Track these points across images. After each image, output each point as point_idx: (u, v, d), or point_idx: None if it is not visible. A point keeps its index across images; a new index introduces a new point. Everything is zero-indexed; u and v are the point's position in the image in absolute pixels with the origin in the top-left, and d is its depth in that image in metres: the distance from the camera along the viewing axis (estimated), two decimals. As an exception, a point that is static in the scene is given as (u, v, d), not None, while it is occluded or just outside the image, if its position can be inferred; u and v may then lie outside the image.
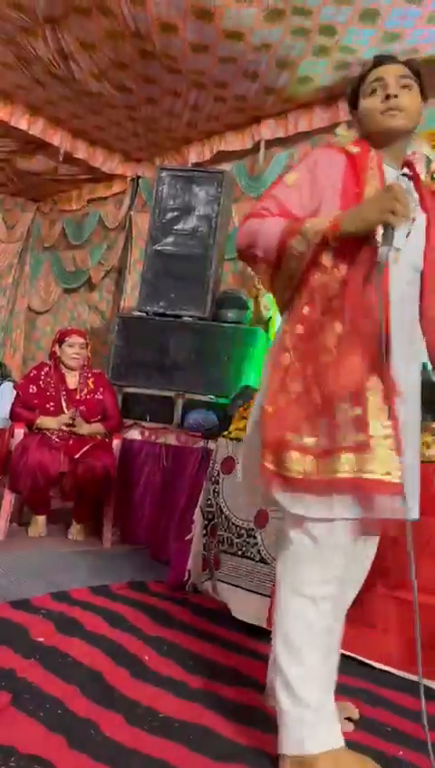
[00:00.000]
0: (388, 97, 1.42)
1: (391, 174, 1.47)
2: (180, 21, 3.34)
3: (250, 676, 1.84)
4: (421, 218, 1.47)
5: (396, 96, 1.42)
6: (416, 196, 1.48)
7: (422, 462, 2.14)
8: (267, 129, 4.31)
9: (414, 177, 1.49)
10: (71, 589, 2.48)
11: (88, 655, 1.88)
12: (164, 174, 4.12)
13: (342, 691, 1.83)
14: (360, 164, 1.43)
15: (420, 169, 3.26)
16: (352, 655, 2.06)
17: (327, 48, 3.43)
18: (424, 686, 1.86)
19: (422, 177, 3.28)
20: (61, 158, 4.97)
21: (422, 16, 3.09)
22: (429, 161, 3.25)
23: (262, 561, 2.34)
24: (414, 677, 1.92)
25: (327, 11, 3.11)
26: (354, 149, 1.46)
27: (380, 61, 1.48)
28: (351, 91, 1.53)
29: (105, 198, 5.72)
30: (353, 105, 1.53)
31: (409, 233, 1.42)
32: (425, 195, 1.48)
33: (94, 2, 3.27)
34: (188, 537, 2.67)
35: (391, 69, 1.45)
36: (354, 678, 1.94)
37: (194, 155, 4.81)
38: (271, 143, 4.38)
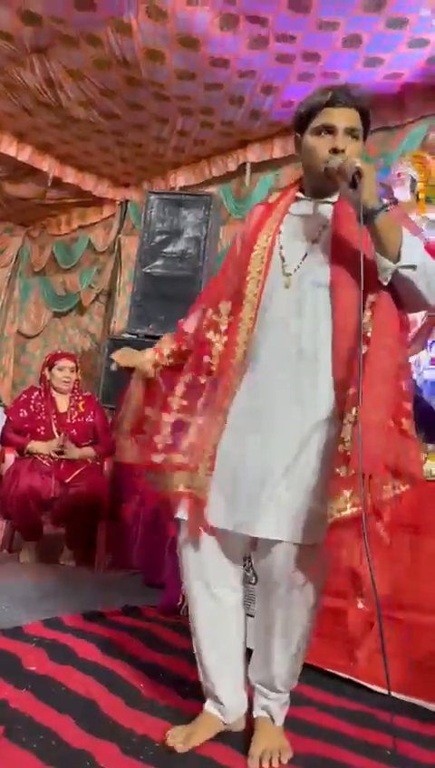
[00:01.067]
0: (335, 150, 1.48)
1: (303, 204, 1.62)
2: (166, 49, 3.39)
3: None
4: (325, 237, 1.55)
5: (343, 150, 1.48)
6: (327, 217, 1.57)
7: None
8: (253, 153, 4.38)
9: (340, 202, 1.55)
10: (63, 616, 2.44)
11: (81, 683, 1.85)
12: (152, 198, 4.16)
13: (340, 715, 1.81)
14: (269, 209, 1.65)
15: (405, 190, 3.31)
16: (350, 678, 2.04)
17: (311, 74, 3.49)
18: (426, 708, 1.87)
19: (407, 198, 3.34)
20: (49, 184, 5.01)
21: (403, 41, 3.16)
22: (413, 182, 3.29)
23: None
24: (414, 700, 1.90)
25: (310, 38, 3.18)
26: (273, 198, 1.70)
27: (334, 101, 1.50)
28: (300, 115, 1.56)
29: (94, 223, 5.75)
30: (300, 129, 1.57)
31: (305, 255, 1.55)
32: (342, 218, 1.52)
33: (81, 31, 3.33)
34: (181, 560, 2.64)
35: (344, 116, 1.50)
36: (352, 701, 1.92)
37: (181, 179, 4.87)
38: (257, 166, 4.44)
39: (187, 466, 1.52)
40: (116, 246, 5.52)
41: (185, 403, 1.60)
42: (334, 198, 1.57)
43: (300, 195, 1.64)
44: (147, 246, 4.10)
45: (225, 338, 1.61)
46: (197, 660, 1.61)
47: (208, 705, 1.62)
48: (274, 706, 1.59)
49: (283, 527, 1.43)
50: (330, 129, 1.50)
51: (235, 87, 3.70)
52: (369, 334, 1.44)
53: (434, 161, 3.31)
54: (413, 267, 1.42)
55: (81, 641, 2.18)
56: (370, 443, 1.36)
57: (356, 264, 1.42)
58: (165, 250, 4.07)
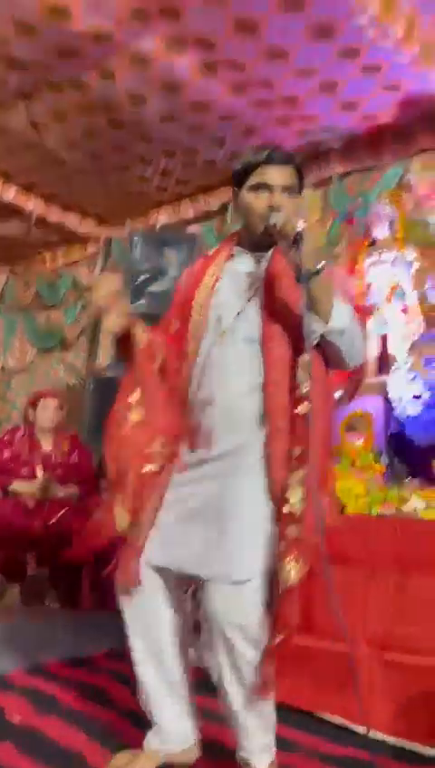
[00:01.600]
0: (272, 207, 1.53)
1: (239, 258, 1.66)
2: (149, 93, 3.47)
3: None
4: (260, 292, 1.59)
5: (279, 209, 1.52)
6: (259, 274, 1.61)
7: (400, 517, 2.16)
8: (235, 193, 4.45)
9: (272, 259, 1.61)
10: (47, 661, 2.39)
11: (67, 735, 1.80)
12: (136, 237, 4.21)
13: (326, 760, 1.77)
14: (207, 264, 1.69)
15: (383, 229, 3.39)
16: (336, 719, 2.00)
17: (290, 117, 3.59)
18: (413, 750, 1.84)
19: (385, 235, 3.42)
20: (33, 223, 5.06)
21: (378, 85, 3.27)
22: (391, 221, 3.37)
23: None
24: (404, 743, 1.87)
25: (288, 84, 3.28)
26: (212, 251, 1.75)
27: (269, 159, 1.56)
28: (237, 172, 1.61)
29: (78, 260, 5.80)
30: (237, 185, 1.62)
31: (239, 312, 1.58)
32: (275, 275, 1.57)
33: (65, 76, 3.40)
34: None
35: (278, 175, 1.56)
36: (337, 745, 1.87)
37: (164, 217, 4.93)
38: (239, 205, 4.51)
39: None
40: (100, 283, 5.55)
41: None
42: (270, 252, 1.62)
43: (238, 248, 1.69)
44: (131, 285, 4.14)
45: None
46: (138, 686, 1.63)
47: (149, 736, 1.62)
48: (250, 748, 1.54)
49: (211, 566, 1.46)
50: (267, 187, 1.55)
51: (216, 129, 3.79)
52: (305, 392, 1.47)
53: (411, 200, 3.40)
54: (342, 332, 1.51)
55: (66, 689, 2.14)
56: (312, 506, 1.44)
57: (287, 320, 1.52)
58: (149, 289, 4.10)
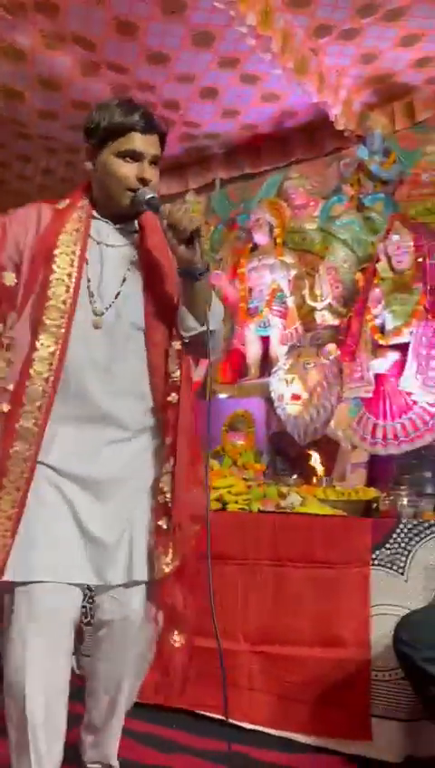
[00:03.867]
0: (142, 180, 1.41)
1: (103, 228, 1.47)
2: (27, 89, 3.38)
3: (140, 762, 1.73)
4: (136, 275, 1.46)
5: (150, 180, 1.42)
6: (133, 250, 1.49)
7: (277, 512, 2.22)
8: (118, 196, 4.42)
9: (140, 230, 1.49)
10: None
11: None
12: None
13: (212, 758, 1.78)
14: (60, 224, 1.44)
15: (264, 235, 3.48)
16: (218, 717, 2.01)
17: (172, 121, 3.61)
18: (292, 739, 1.89)
19: (266, 242, 3.50)
20: None
21: (256, 96, 3.36)
22: (271, 227, 3.47)
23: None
24: (286, 734, 1.91)
25: (169, 88, 3.30)
26: (63, 204, 1.49)
27: (142, 127, 1.40)
28: (103, 129, 1.43)
29: None
30: (99, 141, 1.44)
31: (118, 293, 1.43)
32: (151, 259, 1.46)
33: None
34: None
35: (150, 143, 1.42)
36: (215, 740, 1.87)
37: (48, 217, 4.82)
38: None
39: None
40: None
41: None
42: (135, 225, 1.50)
43: (96, 215, 1.49)
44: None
45: (15, 365, 1.38)
46: (17, 732, 1.33)
47: None
48: (110, 753, 1.53)
49: (131, 570, 1.40)
50: (136, 157, 1.41)
51: (99, 129, 3.74)
52: (178, 382, 1.45)
53: (289, 208, 3.52)
54: (213, 333, 1.45)
55: None
56: (185, 494, 1.41)
57: (167, 307, 1.45)
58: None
